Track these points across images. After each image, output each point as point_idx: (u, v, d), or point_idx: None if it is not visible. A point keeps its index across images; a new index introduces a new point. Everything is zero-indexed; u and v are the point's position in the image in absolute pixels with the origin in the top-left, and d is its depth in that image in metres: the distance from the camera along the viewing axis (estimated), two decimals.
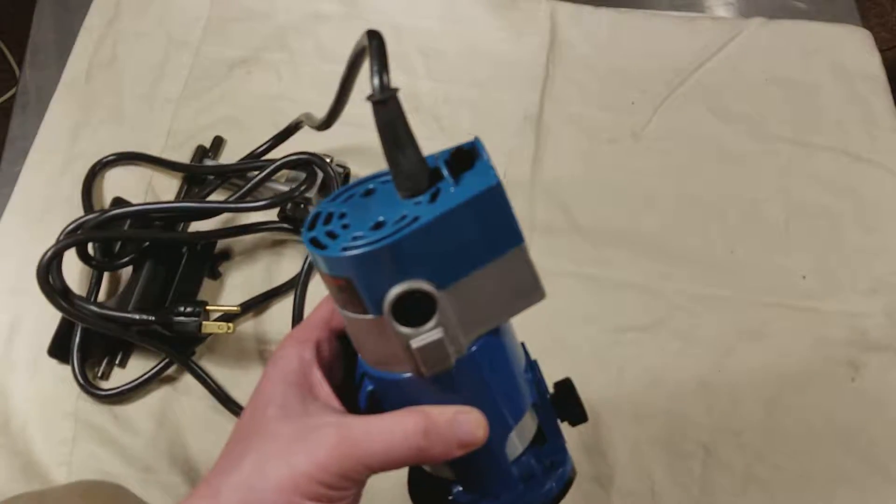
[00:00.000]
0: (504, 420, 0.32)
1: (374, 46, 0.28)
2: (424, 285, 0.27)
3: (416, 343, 0.27)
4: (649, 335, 0.59)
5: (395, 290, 0.27)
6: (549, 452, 0.35)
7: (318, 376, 0.32)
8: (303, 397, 0.31)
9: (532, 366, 0.35)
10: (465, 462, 0.30)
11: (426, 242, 0.27)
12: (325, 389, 0.32)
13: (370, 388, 0.32)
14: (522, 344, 0.34)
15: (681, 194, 0.64)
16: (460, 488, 0.35)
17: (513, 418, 0.32)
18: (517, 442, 0.33)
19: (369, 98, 0.27)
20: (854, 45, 0.71)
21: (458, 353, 0.28)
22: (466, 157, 0.28)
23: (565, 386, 0.36)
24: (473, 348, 0.29)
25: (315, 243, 0.28)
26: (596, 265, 0.61)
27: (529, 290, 0.29)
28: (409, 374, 0.29)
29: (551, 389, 0.36)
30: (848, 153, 0.66)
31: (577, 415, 0.36)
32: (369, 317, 0.28)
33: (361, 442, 0.29)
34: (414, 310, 0.27)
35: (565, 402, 0.36)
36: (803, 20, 0.72)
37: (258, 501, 0.29)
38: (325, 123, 0.38)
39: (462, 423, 0.29)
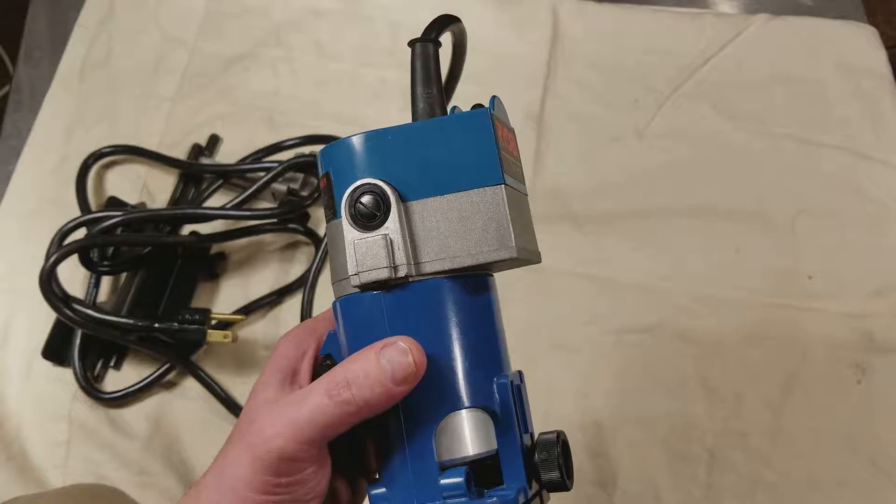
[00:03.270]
0: (442, 390, 0.28)
1: (440, 16, 0.33)
2: (382, 184, 0.28)
3: (357, 239, 0.28)
4: (652, 336, 0.58)
5: (354, 184, 0.28)
6: (496, 497, 0.28)
7: (305, 367, 0.32)
8: (284, 387, 0.31)
9: (509, 380, 0.30)
10: (385, 436, 0.29)
11: (403, 143, 0.28)
12: (305, 379, 0.31)
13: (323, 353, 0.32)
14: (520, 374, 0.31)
15: (684, 193, 0.64)
16: (378, 489, 0.30)
17: (453, 396, 0.29)
18: (453, 438, 0.29)
19: (413, 41, 0.30)
20: (860, 41, 0.70)
21: (396, 271, 0.28)
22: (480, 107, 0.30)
23: (555, 438, 0.29)
24: (423, 280, 0.28)
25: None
26: (598, 265, 0.60)
27: (500, 240, 0.28)
28: (356, 294, 0.29)
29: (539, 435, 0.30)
30: (854, 151, 0.65)
31: (557, 479, 0.29)
32: (336, 220, 0.29)
33: (293, 418, 0.28)
34: (368, 216, 0.28)
35: (547, 456, 0.29)
36: (809, 17, 0.72)
37: (221, 500, 0.28)
38: None
39: (386, 354, 0.27)
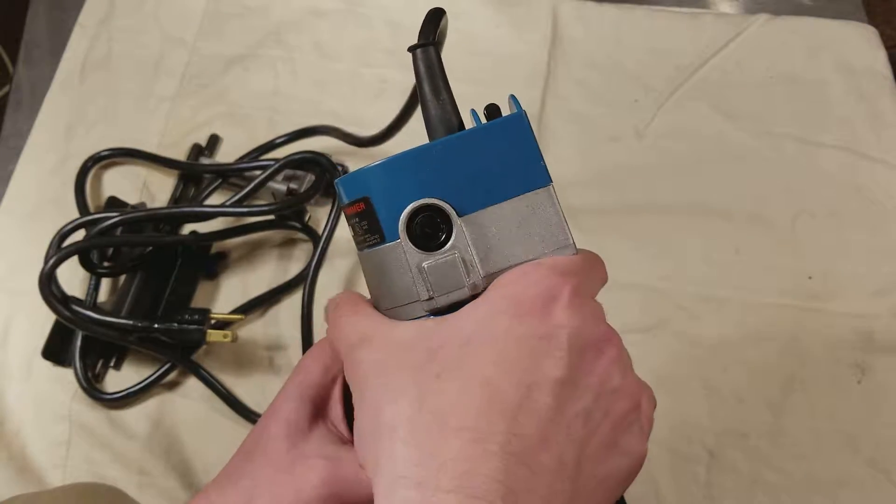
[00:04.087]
0: None
1: (428, 13, 0.30)
2: (440, 202, 0.27)
3: (428, 263, 0.27)
4: (652, 336, 0.58)
5: (411, 206, 0.27)
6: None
7: (337, 394, 0.31)
8: (314, 416, 0.30)
9: None
10: None
11: (446, 159, 0.28)
12: (337, 410, 0.31)
13: None
14: None
15: (684, 193, 0.64)
16: None
17: None
18: None
19: (412, 47, 0.29)
20: (860, 42, 0.70)
21: (475, 287, 0.28)
22: (498, 110, 0.30)
23: None
24: None
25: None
26: None
27: (557, 240, 0.29)
28: (426, 315, 0.28)
29: None
30: (854, 151, 0.65)
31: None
32: (385, 245, 0.28)
33: (350, 483, 0.27)
34: (430, 237, 0.27)
35: None
36: (809, 17, 0.72)
37: None
38: (376, 140, 0.38)
39: None
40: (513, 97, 0.30)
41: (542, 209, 0.29)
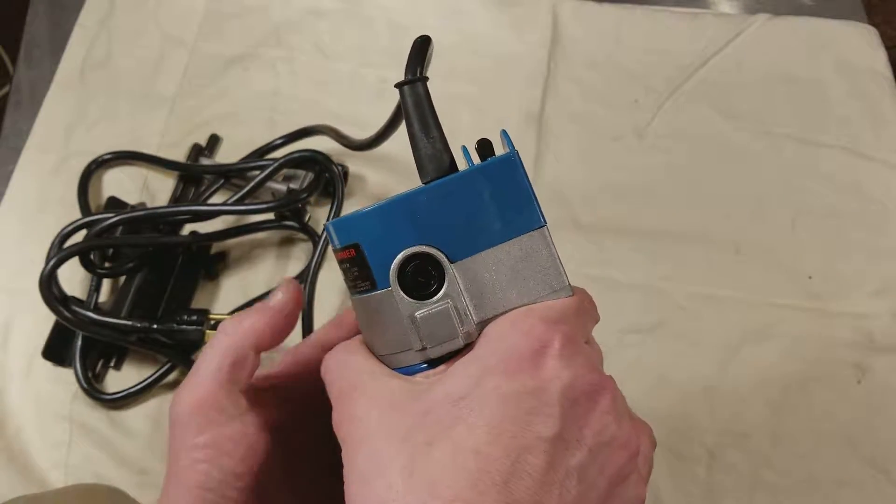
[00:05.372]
0: None
1: (415, 43, 0.29)
2: (432, 250, 0.27)
3: (420, 313, 0.26)
4: (652, 337, 0.58)
5: (402, 254, 0.27)
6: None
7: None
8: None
9: None
10: None
11: (437, 204, 0.27)
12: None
13: None
14: None
15: (685, 193, 0.64)
16: None
17: None
18: None
19: (400, 83, 0.28)
20: (860, 41, 0.70)
21: (469, 336, 0.27)
22: (490, 146, 0.29)
23: None
24: None
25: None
26: (598, 266, 0.60)
27: (551, 283, 0.28)
28: (419, 364, 0.28)
29: None
30: (854, 151, 0.65)
31: None
32: (377, 292, 0.27)
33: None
34: (422, 285, 0.27)
35: None
36: (809, 17, 0.72)
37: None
38: (364, 146, 0.37)
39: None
40: (504, 133, 0.29)
41: (536, 252, 0.28)
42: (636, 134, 0.66)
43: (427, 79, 0.29)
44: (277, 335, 0.34)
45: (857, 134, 0.66)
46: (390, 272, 0.27)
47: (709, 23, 0.71)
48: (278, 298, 0.34)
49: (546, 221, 0.28)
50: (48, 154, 0.63)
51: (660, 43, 0.70)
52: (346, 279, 0.29)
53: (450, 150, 0.29)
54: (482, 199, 0.27)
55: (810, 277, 0.61)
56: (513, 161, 0.28)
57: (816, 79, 0.68)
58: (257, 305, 0.34)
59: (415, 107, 0.28)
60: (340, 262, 0.29)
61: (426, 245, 0.27)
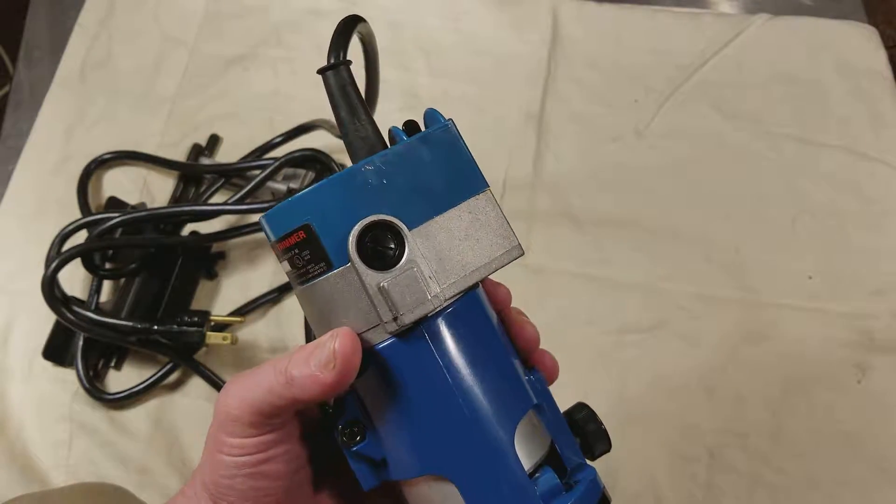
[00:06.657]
0: (502, 402, 0.28)
1: (338, 26, 0.30)
2: (389, 217, 0.26)
3: (387, 282, 0.26)
4: (652, 336, 0.58)
5: (359, 225, 0.26)
6: (581, 481, 0.30)
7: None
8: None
9: (535, 372, 0.33)
10: (473, 467, 0.28)
11: (383, 174, 0.27)
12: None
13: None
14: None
15: (684, 193, 0.64)
16: None
17: (511, 408, 0.29)
18: (528, 442, 0.29)
19: (322, 69, 0.29)
20: (860, 42, 0.70)
21: (437, 299, 0.27)
22: (417, 126, 0.29)
23: (582, 410, 0.32)
24: (453, 306, 0.28)
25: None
26: (598, 265, 0.60)
27: (506, 243, 0.29)
28: (387, 340, 0.27)
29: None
30: (854, 151, 0.65)
31: (606, 447, 0.31)
32: (333, 272, 0.27)
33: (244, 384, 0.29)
34: (382, 254, 0.26)
35: (583, 427, 0.32)
36: (809, 17, 0.72)
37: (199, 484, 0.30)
38: None
39: (322, 342, 0.26)
40: (430, 110, 0.29)
41: (485, 214, 0.28)
42: (636, 134, 0.66)
43: (350, 62, 0.29)
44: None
45: (857, 134, 0.66)
46: (349, 246, 0.26)
47: (709, 23, 0.71)
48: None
49: (488, 184, 0.29)
50: (48, 154, 0.63)
51: (660, 43, 0.70)
52: (294, 269, 0.28)
53: (380, 133, 0.29)
54: (427, 167, 0.28)
55: (810, 277, 0.61)
56: (449, 128, 0.28)
57: (816, 79, 0.68)
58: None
59: (340, 92, 0.28)
60: (286, 252, 0.28)
61: (381, 214, 0.26)
